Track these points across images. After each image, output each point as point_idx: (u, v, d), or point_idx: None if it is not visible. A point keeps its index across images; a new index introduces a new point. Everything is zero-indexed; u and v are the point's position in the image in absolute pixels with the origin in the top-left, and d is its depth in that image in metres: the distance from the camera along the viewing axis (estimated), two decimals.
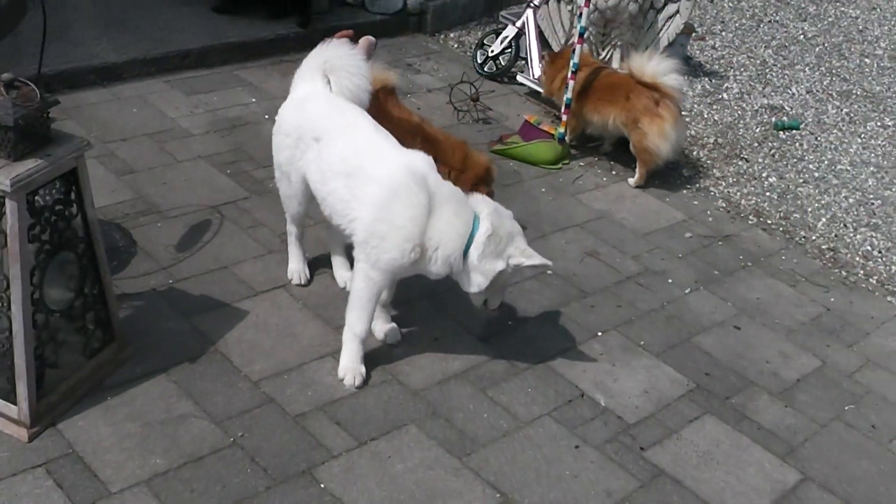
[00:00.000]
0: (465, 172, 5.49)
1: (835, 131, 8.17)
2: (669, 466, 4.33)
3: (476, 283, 4.36)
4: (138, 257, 5.08)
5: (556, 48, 7.60)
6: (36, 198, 3.70)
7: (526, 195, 6.37)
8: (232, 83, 7.14)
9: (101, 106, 6.55)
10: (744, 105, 8.39)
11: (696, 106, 8.18)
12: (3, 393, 3.89)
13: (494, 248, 4.31)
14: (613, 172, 6.87)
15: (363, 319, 4.43)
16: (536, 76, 7.60)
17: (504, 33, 8.00)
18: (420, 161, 4.35)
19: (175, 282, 4.93)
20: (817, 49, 10.14)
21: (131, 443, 3.95)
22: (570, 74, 6.73)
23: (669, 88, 6.52)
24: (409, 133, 5.37)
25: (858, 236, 6.61)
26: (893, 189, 7.30)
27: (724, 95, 8.52)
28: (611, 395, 4.70)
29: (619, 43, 7.73)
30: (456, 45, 8.71)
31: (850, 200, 7.05)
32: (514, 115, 7.36)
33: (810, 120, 8.30)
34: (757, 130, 7.93)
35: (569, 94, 6.76)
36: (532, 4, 7.86)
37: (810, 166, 7.45)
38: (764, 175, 7.20)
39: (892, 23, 11.48)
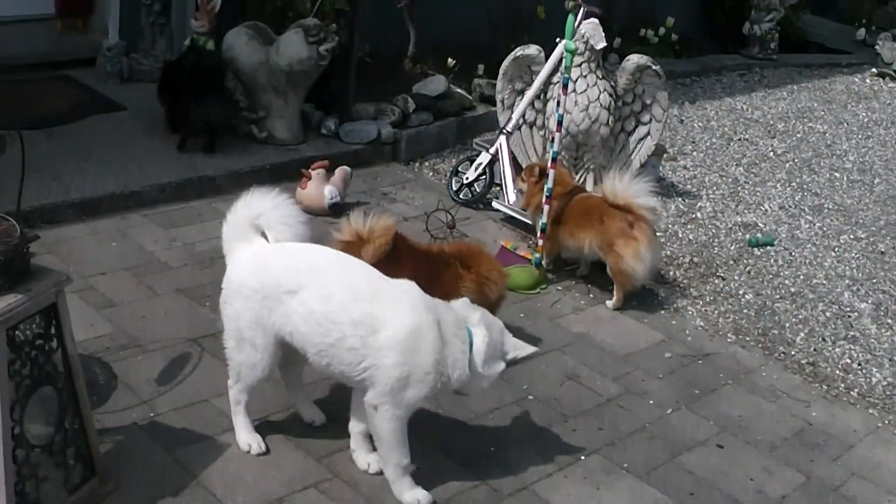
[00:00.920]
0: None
1: (809, 246, 8.25)
2: None
3: (481, 388, 4.43)
4: (119, 391, 5.05)
5: None
6: (16, 332, 3.71)
7: (504, 321, 6.33)
8: (209, 216, 7.16)
9: (80, 240, 6.57)
10: (718, 223, 8.48)
11: (670, 226, 8.25)
12: None
13: (493, 352, 4.36)
14: (591, 295, 6.91)
15: (404, 453, 4.41)
16: (512, 201, 7.67)
17: (478, 160, 8.07)
18: (414, 289, 4.40)
19: (156, 415, 4.91)
20: (787, 165, 10.28)
21: None
22: (544, 199, 6.81)
23: (643, 210, 6.58)
24: (443, 263, 5.48)
25: (837, 349, 6.64)
26: (869, 301, 7.36)
27: (698, 214, 8.61)
28: None
29: (591, 166, 7.84)
30: (431, 173, 8.80)
31: (828, 314, 7.09)
32: (490, 241, 7.40)
33: (784, 235, 8.38)
34: (732, 248, 8.00)
35: (544, 219, 6.83)
36: (505, 131, 7.97)
37: (786, 282, 7.51)
38: (741, 292, 7.24)
39: (860, 136, 11.67)
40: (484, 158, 8.04)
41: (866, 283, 7.67)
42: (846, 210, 9.23)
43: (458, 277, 5.41)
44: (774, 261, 7.87)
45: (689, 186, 9.27)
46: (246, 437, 4.74)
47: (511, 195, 7.68)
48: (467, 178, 8.10)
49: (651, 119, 7.98)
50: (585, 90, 7.57)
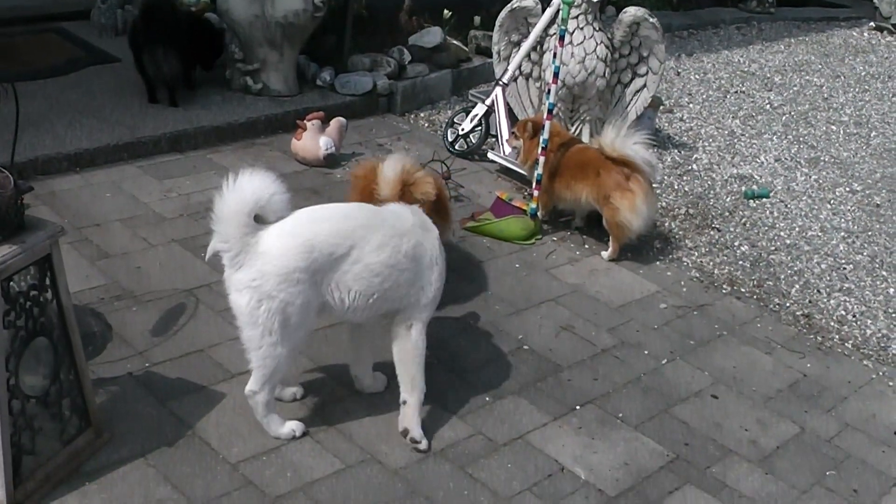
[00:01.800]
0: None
1: (804, 198, 8.25)
2: None
3: None
4: (114, 342, 5.06)
5: None
6: (11, 284, 3.70)
7: (499, 271, 6.39)
8: (204, 167, 7.16)
9: (75, 192, 6.56)
10: (713, 175, 8.47)
11: (666, 178, 8.24)
12: None
13: None
14: (586, 246, 6.91)
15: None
16: (507, 152, 7.65)
17: (474, 111, 8.05)
18: (419, 211, 4.81)
19: (151, 366, 4.91)
20: (784, 118, 10.27)
21: None
22: (540, 150, 6.79)
23: (639, 163, 6.57)
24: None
25: (832, 301, 6.65)
26: (864, 253, 7.37)
27: (694, 166, 8.60)
28: (590, 468, 4.69)
29: (587, 118, 7.82)
30: (426, 125, 8.78)
31: (823, 266, 7.10)
32: (485, 193, 7.40)
33: (780, 188, 8.38)
34: (727, 200, 7.99)
35: (539, 170, 6.82)
36: (501, 82, 7.94)
37: (781, 234, 7.51)
38: (736, 244, 7.25)
39: (857, 90, 11.65)
40: (480, 110, 8.02)
41: (861, 236, 7.67)
42: (842, 163, 9.22)
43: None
44: (770, 213, 7.87)
45: (686, 138, 9.25)
46: (286, 430, 4.56)
47: (507, 146, 7.66)
48: (463, 129, 8.07)
49: (647, 71, 7.95)
50: (582, 42, 7.53)
